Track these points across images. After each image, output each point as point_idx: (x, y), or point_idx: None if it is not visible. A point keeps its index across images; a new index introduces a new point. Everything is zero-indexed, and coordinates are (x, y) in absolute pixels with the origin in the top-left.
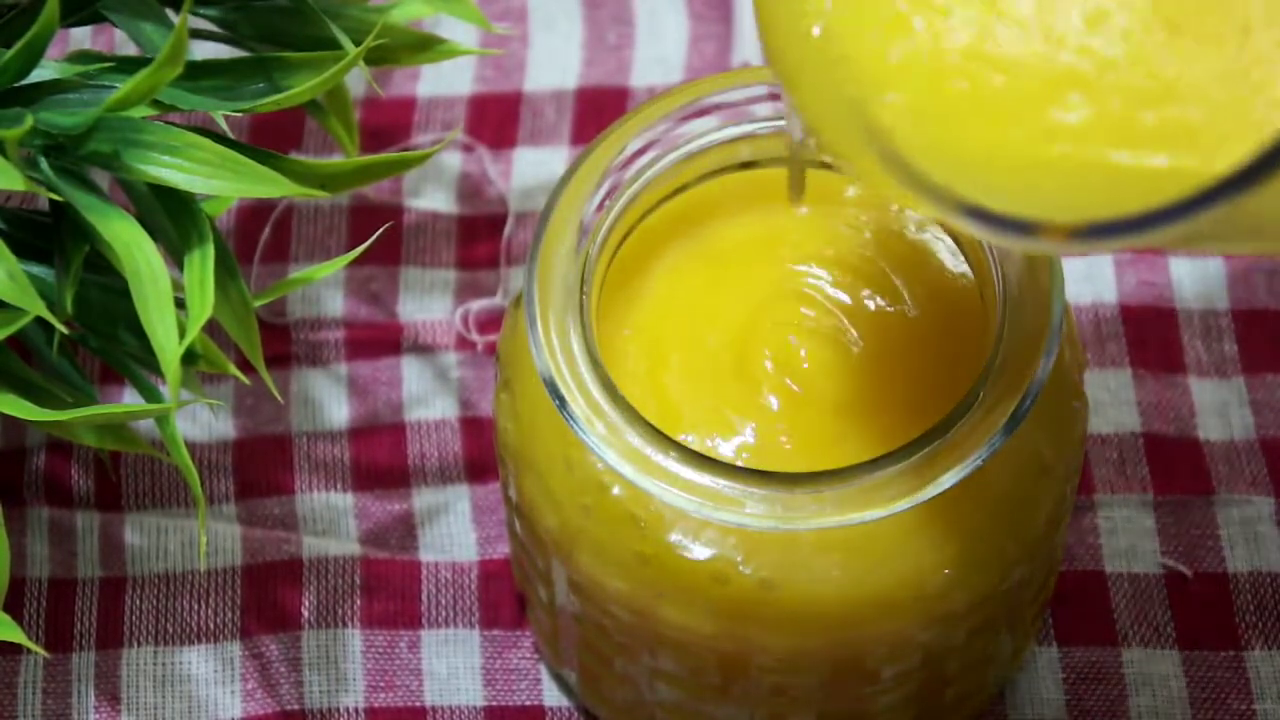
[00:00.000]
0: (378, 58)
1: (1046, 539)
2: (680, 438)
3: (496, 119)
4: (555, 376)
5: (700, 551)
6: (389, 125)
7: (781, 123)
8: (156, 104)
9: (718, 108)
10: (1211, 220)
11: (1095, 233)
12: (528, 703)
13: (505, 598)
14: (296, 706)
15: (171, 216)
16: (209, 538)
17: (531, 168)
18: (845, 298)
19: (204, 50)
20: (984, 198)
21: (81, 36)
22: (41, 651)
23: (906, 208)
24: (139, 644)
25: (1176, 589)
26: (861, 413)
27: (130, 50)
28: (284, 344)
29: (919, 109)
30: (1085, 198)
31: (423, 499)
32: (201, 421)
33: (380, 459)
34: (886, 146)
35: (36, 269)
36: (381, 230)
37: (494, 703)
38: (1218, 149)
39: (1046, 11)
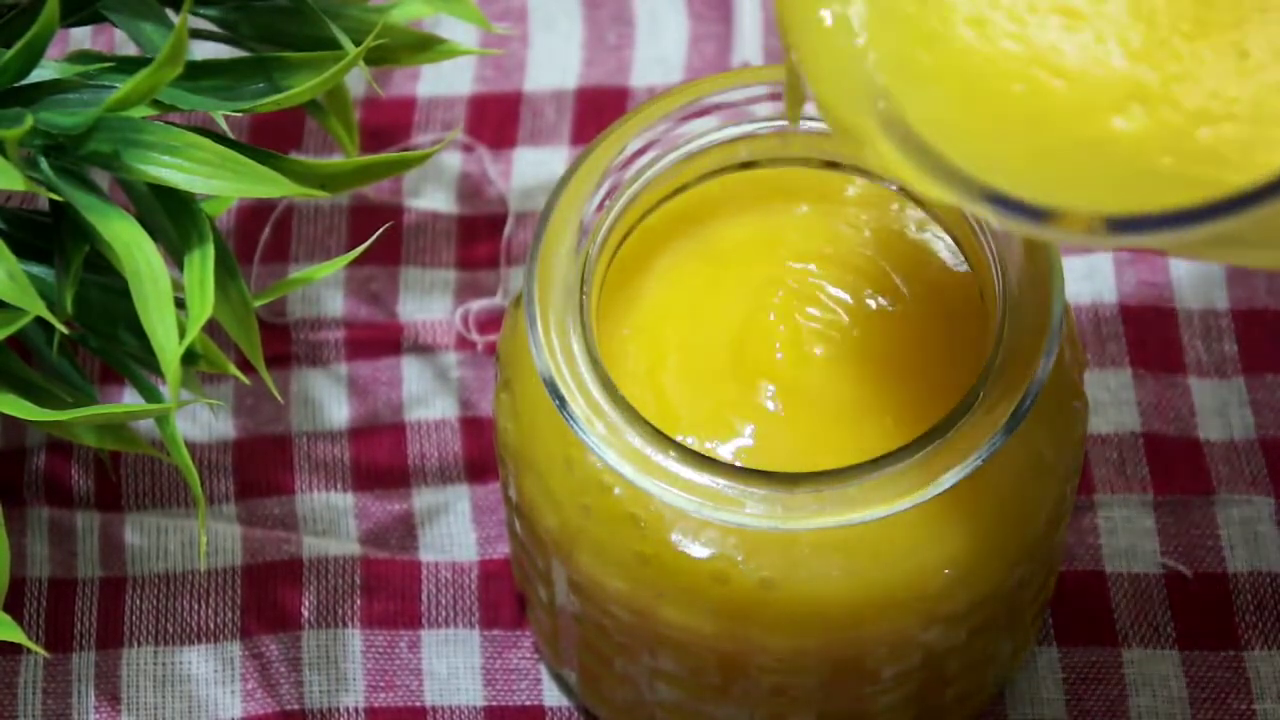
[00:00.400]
0: (378, 58)
1: (1046, 539)
2: (679, 438)
3: (496, 119)
4: (555, 376)
5: (700, 551)
6: (389, 125)
7: (781, 123)
8: (156, 104)
9: (718, 108)
10: (1236, 225)
11: (1121, 226)
12: (528, 703)
13: (505, 598)
14: (296, 706)
15: (171, 216)
16: (209, 538)
17: (531, 168)
18: (845, 297)
19: (204, 50)
20: (1010, 186)
21: (81, 36)
22: (41, 651)
23: (917, 189)
24: (139, 644)
25: (1176, 589)
26: (862, 412)
27: (130, 50)
28: (284, 344)
29: (960, 105)
30: (1118, 194)
31: (423, 499)
32: (201, 421)
33: (380, 459)
34: (907, 132)
35: (36, 269)
36: (381, 230)
37: (494, 703)
38: (1264, 163)
39: (1125, 28)
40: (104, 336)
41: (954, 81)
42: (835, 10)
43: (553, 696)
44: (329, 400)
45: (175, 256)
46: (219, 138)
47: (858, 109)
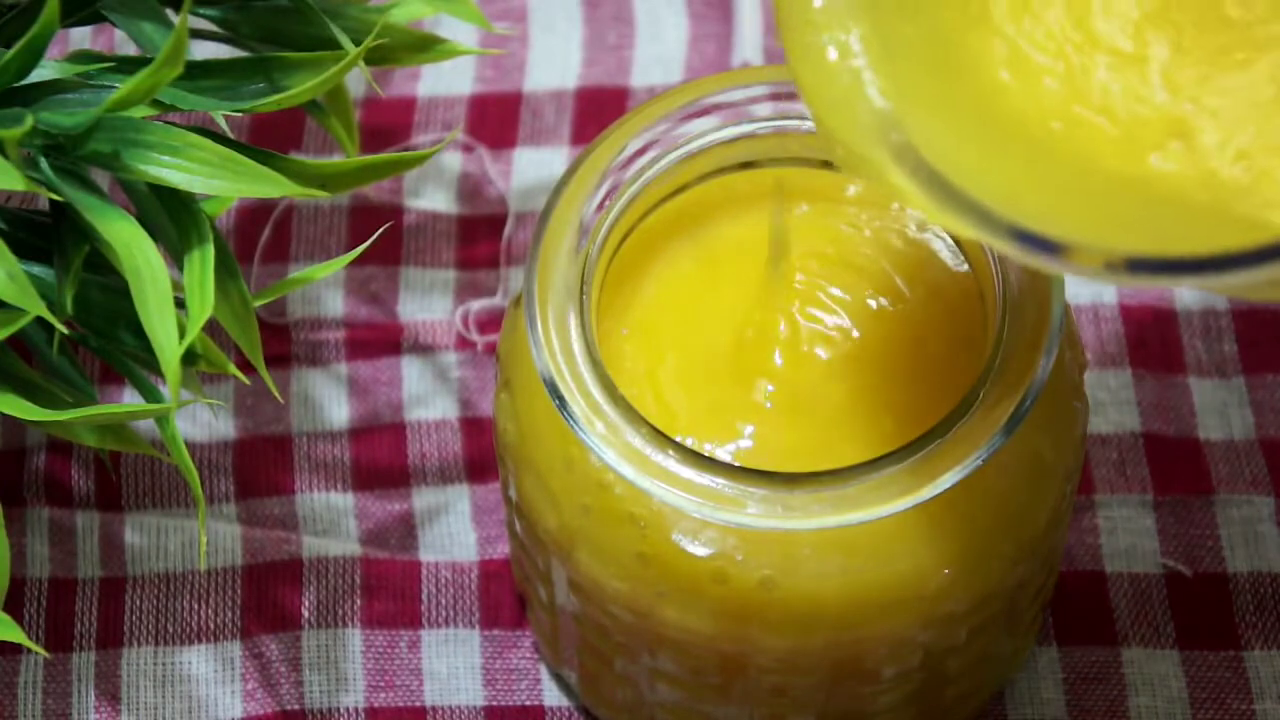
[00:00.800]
0: (378, 58)
1: (1046, 539)
2: (679, 438)
3: (496, 119)
4: (555, 376)
5: (700, 551)
6: (389, 125)
7: (782, 123)
8: (156, 104)
9: (718, 108)
10: (1251, 277)
11: (1143, 267)
12: (528, 703)
13: (505, 598)
14: (296, 706)
15: (172, 216)
16: (209, 538)
17: (531, 168)
18: (845, 297)
19: (204, 50)
20: (1029, 221)
21: (81, 36)
22: (41, 651)
23: (928, 219)
24: (139, 644)
25: (1176, 589)
26: (861, 412)
27: (130, 50)
28: (284, 344)
29: (982, 139)
30: (1150, 231)
31: (423, 499)
32: (201, 421)
33: (380, 459)
34: (919, 162)
35: (36, 269)
36: (381, 230)
37: (494, 703)
38: None
39: (1168, 64)
40: (104, 336)
41: (978, 116)
42: (836, 36)
43: (553, 696)
44: (329, 400)
45: (175, 256)
46: (219, 138)
47: (867, 139)
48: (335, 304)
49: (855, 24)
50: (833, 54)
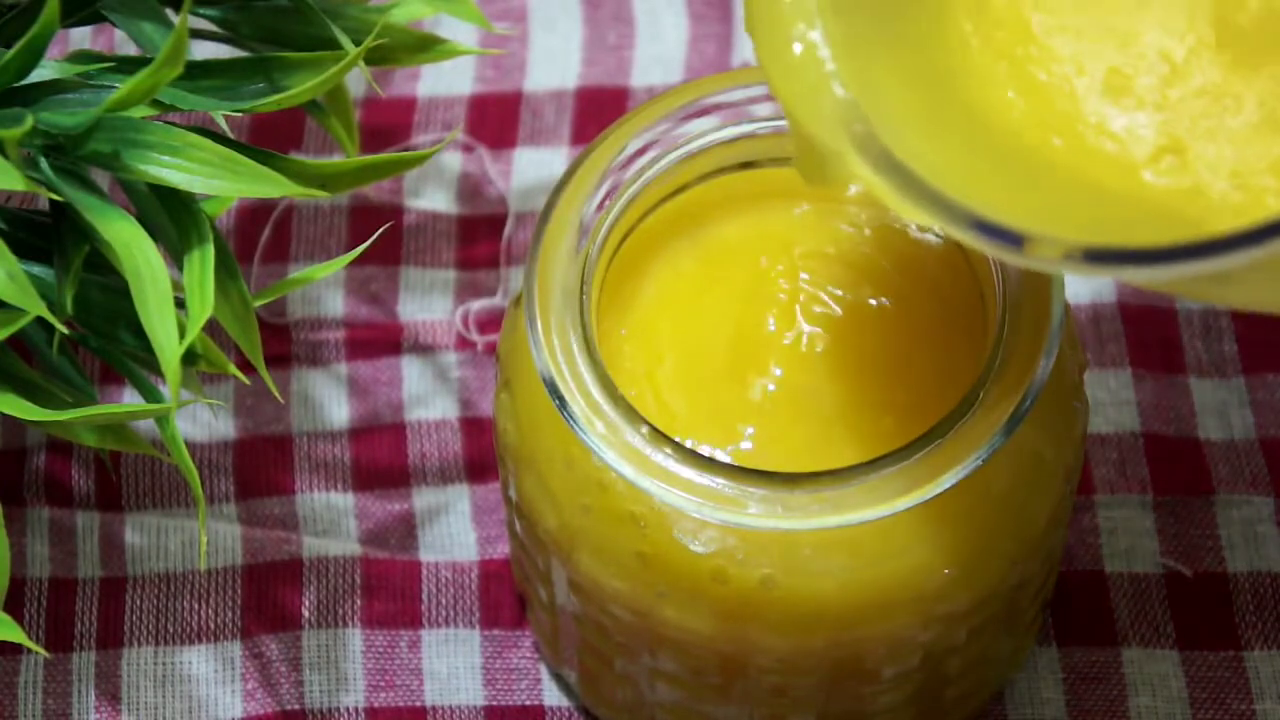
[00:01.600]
0: (378, 58)
1: (1046, 539)
2: (678, 438)
3: (496, 119)
4: (555, 376)
5: (700, 551)
6: (389, 125)
7: (781, 123)
8: (156, 104)
9: (718, 108)
10: (1211, 267)
11: (1099, 257)
12: (528, 703)
13: (505, 598)
14: (297, 706)
15: (172, 216)
16: (209, 538)
17: (531, 168)
18: (845, 296)
19: (204, 50)
20: (994, 214)
21: (81, 36)
22: (42, 651)
23: (891, 208)
24: (139, 644)
25: (1176, 589)
26: (861, 412)
27: (130, 50)
28: (284, 344)
29: (960, 145)
30: (1117, 228)
31: (423, 499)
32: (201, 421)
33: (380, 459)
34: (884, 153)
35: (36, 269)
36: (381, 230)
37: (494, 703)
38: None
39: (1165, 82)
40: (104, 336)
41: (956, 123)
42: (802, 31)
43: (553, 696)
44: (329, 400)
45: (175, 256)
46: (219, 138)
47: (831, 129)
48: (335, 304)
49: (821, 18)
50: (798, 48)
